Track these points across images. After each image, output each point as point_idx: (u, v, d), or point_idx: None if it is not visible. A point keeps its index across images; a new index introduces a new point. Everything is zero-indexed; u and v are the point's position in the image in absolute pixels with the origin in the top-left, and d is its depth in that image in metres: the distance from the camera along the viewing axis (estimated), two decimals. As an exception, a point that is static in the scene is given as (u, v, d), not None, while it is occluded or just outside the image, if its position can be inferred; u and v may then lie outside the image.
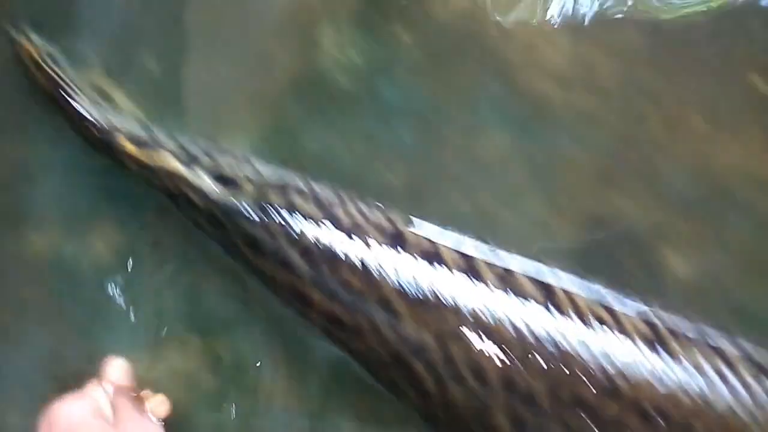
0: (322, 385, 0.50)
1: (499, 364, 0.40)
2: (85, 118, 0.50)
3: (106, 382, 0.47)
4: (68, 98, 0.50)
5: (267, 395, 0.51)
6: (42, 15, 0.56)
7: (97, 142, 0.50)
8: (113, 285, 0.53)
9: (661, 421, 0.38)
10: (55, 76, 0.51)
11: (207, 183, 0.46)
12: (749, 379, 0.40)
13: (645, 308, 0.43)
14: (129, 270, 0.52)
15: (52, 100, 0.51)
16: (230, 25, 0.55)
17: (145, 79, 0.56)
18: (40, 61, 0.51)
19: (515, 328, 0.40)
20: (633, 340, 0.40)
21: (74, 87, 0.51)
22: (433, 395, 0.41)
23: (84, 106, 0.50)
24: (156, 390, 0.50)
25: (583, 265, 0.48)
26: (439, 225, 0.48)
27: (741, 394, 0.39)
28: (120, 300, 0.51)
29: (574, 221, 0.51)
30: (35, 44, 0.52)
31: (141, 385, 0.49)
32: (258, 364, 0.50)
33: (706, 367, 0.40)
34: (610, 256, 0.49)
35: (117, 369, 0.47)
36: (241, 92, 0.57)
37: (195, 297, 0.52)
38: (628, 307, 0.43)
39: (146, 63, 0.56)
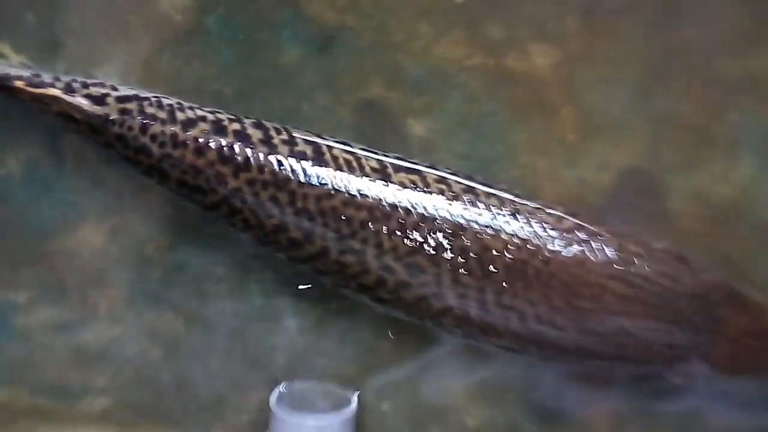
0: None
1: (288, 198, 0.63)
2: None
3: None
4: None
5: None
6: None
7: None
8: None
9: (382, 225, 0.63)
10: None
11: (80, 102, 0.66)
12: (459, 191, 0.65)
13: (385, 156, 0.67)
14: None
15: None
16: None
17: (27, 33, 0.75)
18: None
19: (294, 171, 0.64)
20: (367, 174, 0.64)
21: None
22: (252, 222, 0.65)
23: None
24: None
25: (356, 137, 0.71)
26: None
27: (451, 202, 0.64)
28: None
29: (350, 107, 0.74)
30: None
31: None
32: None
33: (421, 185, 0.65)
34: (374, 127, 0.73)
35: None
36: (106, 35, 0.76)
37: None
38: (372, 155, 0.67)
39: (26, 19, 0.74)
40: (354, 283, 0.65)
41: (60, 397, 0.76)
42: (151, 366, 0.76)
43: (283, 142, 0.65)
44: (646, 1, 0.71)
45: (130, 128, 0.65)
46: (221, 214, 0.66)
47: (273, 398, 0.67)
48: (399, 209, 0.63)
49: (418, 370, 0.74)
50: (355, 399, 0.68)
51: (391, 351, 0.75)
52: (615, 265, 0.63)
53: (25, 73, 0.69)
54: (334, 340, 0.75)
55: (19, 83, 0.68)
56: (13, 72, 0.69)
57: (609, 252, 0.64)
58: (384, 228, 0.63)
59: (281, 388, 0.69)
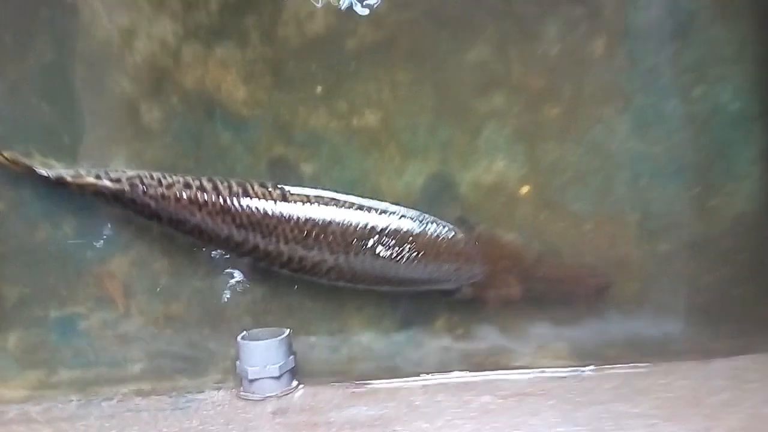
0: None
1: (231, 218, 1.10)
2: (47, 176, 1.15)
3: None
4: (37, 171, 1.16)
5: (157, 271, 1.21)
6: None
7: (55, 183, 1.16)
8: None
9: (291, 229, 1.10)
10: (26, 165, 1.16)
11: (106, 184, 1.14)
12: (329, 200, 1.12)
13: (285, 187, 1.15)
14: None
15: (31, 175, 1.16)
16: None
17: (63, 149, 1.22)
18: (18, 161, 1.16)
19: (233, 203, 1.11)
20: (275, 199, 1.12)
21: (35, 166, 1.16)
22: (212, 236, 1.12)
23: (44, 171, 1.16)
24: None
25: (270, 179, 1.19)
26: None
27: (324, 207, 1.11)
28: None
29: (265, 162, 1.21)
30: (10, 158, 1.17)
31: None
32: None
33: (306, 200, 1.12)
34: (280, 172, 1.20)
35: None
36: (113, 141, 1.23)
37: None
38: (278, 188, 1.14)
39: (63, 139, 1.22)
40: (276, 262, 1.12)
41: (113, 366, 1.22)
42: (167, 339, 1.22)
43: (226, 187, 1.13)
44: (426, 74, 1.20)
45: (137, 194, 1.12)
46: (194, 235, 1.13)
47: (239, 337, 1.13)
48: (294, 215, 1.11)
49: (331, 315, 1.21)
50: (288, 331, 1.14)
51: (313, 308, 1.22)
52: (419, 228, 1.11)
53: (71, 172, 1.17)
54: (276, 305, 1.22)
55: (68, 178, 1.15)
56: (63, 172, 1.17)
57: (416, 222, 1.12)
58: (287, 227, 1.10)
59: (244, 332, 1.15)
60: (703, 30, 1.17)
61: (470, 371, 1.14)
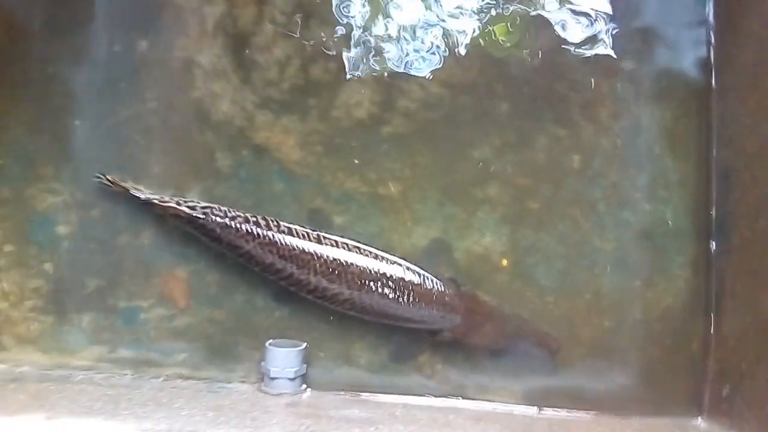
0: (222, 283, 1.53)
1: (276, 250, 1.43)
2: (139, 197, 1.50)
3: None
4: (131, 192, 1.50)
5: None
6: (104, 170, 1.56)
7: (143, 203, 1.50)
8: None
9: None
10: (123, 187, 1.51)
11: (185, 209, 1.47)
12: (352, 247, 1.45)
13: (321, 232, 1.48)
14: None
15: (126, 194, 1.50)
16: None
17: (151, 180, 1.56)
18: (117, 183, 1.51)
19: (279, 238, 1.44)
20: (311, 240, 1.44)
21: (130, 188, 1.51)
22: (259, 261, 1.45)
23: (137, 193, 1.50)
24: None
25: (309, 224, 1.52)
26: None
27: (347, 252, 1.44)
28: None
29: (306, 211, 1.55)
30: (111, 180, 1.52)
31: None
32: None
33: (334, 244, 1.45)
34: (317, 220, 1.53)
35: None
36: (191, 178, 1.58)
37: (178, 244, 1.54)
38: (315, 231, 1.47)
39: (153, 170, 1.56)
40: (304, 289, 1.45)
41: (163, 354, 1.53)
42: (208, 336, 1.54)
43: (275, 225, 1.47)
44: (440, 161, 1.54)
45: (207, 221, 1.46)
46: (244, 259, 1.46)
47: (267, 343, 1.44)
48: (324, 255, 1.44)
49: (339, 337, 1.52)
50: (304, 344, 1.45)
51: (326, 330, 1.53)
52: (417, 280, 1.43)
53: (157, 196, 1.51)
54: (297, 322, 1.53)
55: (155, 201, 1.49)
56: (150, 196, 1.51)
57: (417, 274, 1.44)
58: (317, 263, 1.43)
59: (270, 340, 1.46)
60: (657, 160, 1.52)
61: (442, 397, 1.45)
